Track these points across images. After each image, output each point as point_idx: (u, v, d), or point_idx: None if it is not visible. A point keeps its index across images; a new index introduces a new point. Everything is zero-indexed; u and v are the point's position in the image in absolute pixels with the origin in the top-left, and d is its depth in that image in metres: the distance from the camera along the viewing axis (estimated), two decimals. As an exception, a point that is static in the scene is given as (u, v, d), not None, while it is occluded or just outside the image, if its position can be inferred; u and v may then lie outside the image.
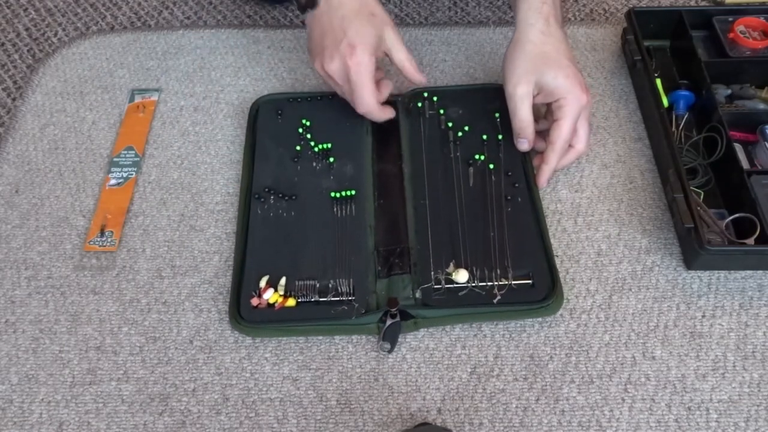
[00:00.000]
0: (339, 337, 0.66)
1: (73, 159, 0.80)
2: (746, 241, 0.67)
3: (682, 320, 0.66)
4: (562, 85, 0.69)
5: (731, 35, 0.83)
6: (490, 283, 0.66)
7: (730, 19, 0.84)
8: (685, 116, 0.79)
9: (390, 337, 0.64)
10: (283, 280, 0.66)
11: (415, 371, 0.64)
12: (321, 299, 0.66)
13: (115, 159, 0.79)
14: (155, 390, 0.63)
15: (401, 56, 0.72)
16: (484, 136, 0.76)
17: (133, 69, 0.88)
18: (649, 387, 0.62)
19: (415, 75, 0.73)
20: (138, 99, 0.85)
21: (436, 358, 0.64)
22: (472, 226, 0.70)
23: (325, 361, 0.64)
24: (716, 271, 0.69)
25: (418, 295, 0.66)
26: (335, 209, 0.72)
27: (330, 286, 0.66)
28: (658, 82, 0.79)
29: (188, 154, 0.80)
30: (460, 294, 0.65)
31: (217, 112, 0.83)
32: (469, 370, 0.64)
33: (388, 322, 0.64)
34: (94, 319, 0.67)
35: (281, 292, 0.66)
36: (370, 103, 0.71)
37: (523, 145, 0.73)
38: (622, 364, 0.64)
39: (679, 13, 0.84)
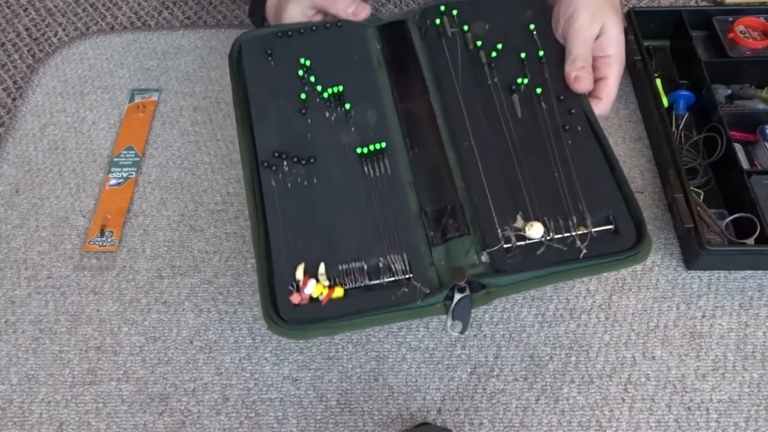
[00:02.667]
0: (339, 337, 0.66)
1: (73, 159, 0.80)
2: (746, 241, 0.67)
3: (682, 320, 0.66)
4: (618, 41, 0.64)
5: (731, 35, 0.83)
6: (567, 234, 0.55)
7: (730, 19, 0.84)
8: (685, 116, 0.78)
9: (461, 316, 0.55)
10: (322, 267, 0.56)
11: (415, 371, 0.64)
12: (372, 282, 0.55)
13: (115, 159, 0.79)
14: (155, 390, 0.63)
15: None
16: (522, 55, 0.64)
17: (133, 69, 0.88)
18: (649, 387, 0.62)
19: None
20: (138, 99, 0.85)
21: (436, 358, 0.64)
22: (531, 167, 0.58)
23: (325, 361, 0.64)
24: (716, 271, 0.69)
25: (484, 258, 0.55)
26: (366, 169, 0.60)
27: (381, 265, 0.55)
28: (658, 82, 0.79)
29: (188, 154, 0.80)
30: (538, 252, 0.55)
31: (217, 112, 0.83)
32: (469, 370, 0.64)
33: (457, 297, 0.53)
34: (94, 319, 0.67)
35: (324, 282, 0.55)
36: None
37: (586, 82, 0.62)
38: (622, 364, 0.64)
39: (679, 13, 0.84)
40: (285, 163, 0.61)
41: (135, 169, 0.78)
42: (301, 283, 0.55)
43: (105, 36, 0.92)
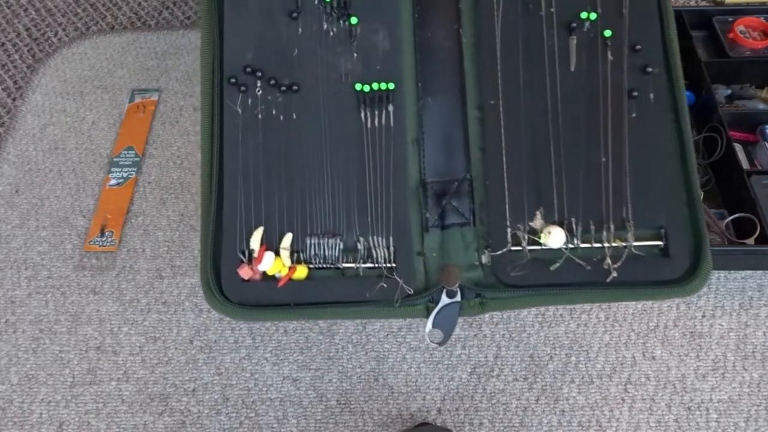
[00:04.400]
0: (339, 337, 0.66)
1: (73, 159, 0.80)
2: (746, 241, 0.67)
3: (682, 320, 0.66)
4: None
5: (731, 35, 0.83)
6: (597, 245, 0.43)
7: (730, 19, 0.84)
8: (685, 116, 0.79)
9: (444, 324, 0.45)
10: (287, 239, 0.44)
11: (415, 371, 0.64)
12: (346, 266, 0.44)
13: (115, 159, 0.79)
14: (155, 390, 0.63)
15: None
16: None
17: (133, 69, 0.88)
18: (649, 387, 0.62)
19: None
20: (138, 99, 0.85)
21: (436, 358, 0.64)
22: (571, 146, 0.45)
23: (325, 361, 0.64)
24: (716, 271, 0.69)
25: (485, 260, 0.45)
26: (363, 113, 0.47)
27: (360, 246, 0.45)
28: (658, 82, 0.79)
29: (188, 154, 0.80)
30: (552, 268, 0.43)
31: (217, 112, 0.83)
32: (469, 370, 0.64)
33: (443, 301, 0.44)
34: (94, 319, 0.67)
35: (285, 259, 0.43)
36: None
37: None
38: (622, 364, 0.64)
39: (679, 13, 0.84)
40: (259, 83, 0.47)
41: (135, 169, 0.78)
42: (255, 254, 0.44)
43: (105, 36, 0.92)
